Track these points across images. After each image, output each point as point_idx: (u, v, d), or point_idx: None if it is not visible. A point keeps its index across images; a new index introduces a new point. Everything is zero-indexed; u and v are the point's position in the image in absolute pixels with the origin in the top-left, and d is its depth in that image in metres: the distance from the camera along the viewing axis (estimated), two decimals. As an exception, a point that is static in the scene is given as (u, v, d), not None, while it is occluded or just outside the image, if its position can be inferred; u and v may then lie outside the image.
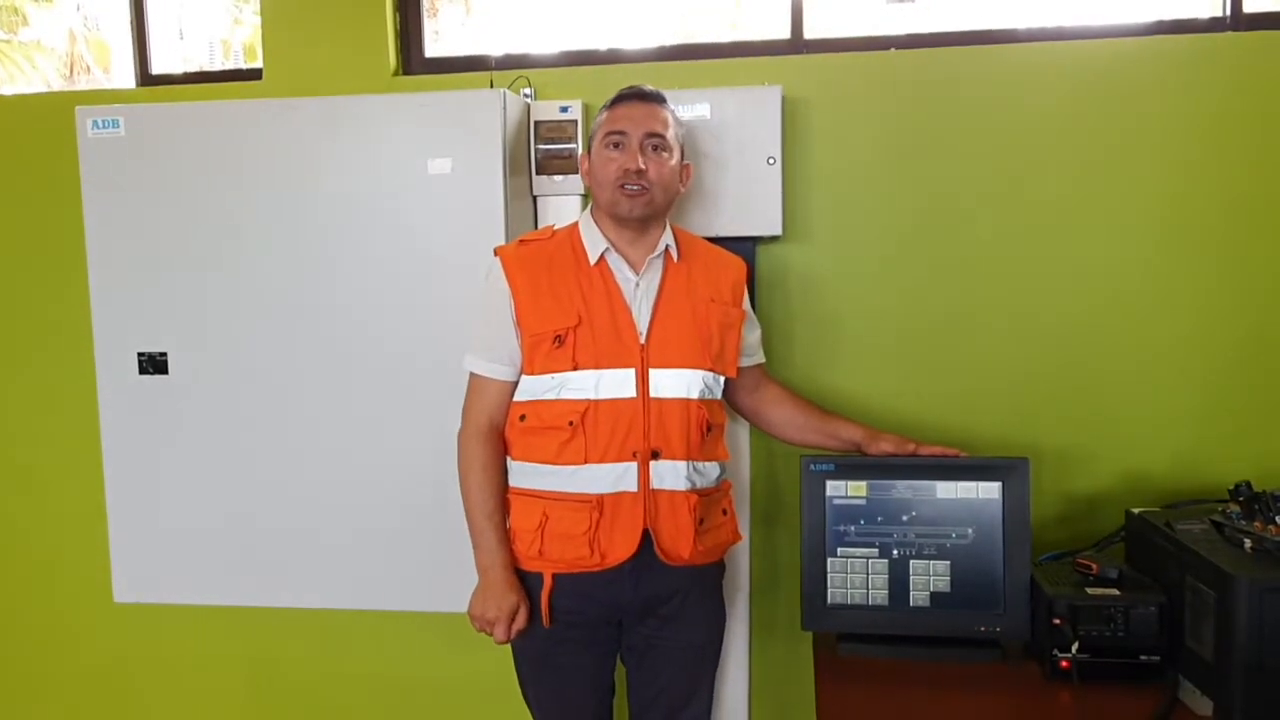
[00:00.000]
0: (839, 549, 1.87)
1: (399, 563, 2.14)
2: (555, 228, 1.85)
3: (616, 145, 1.74)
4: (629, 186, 1.73)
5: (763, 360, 2.00)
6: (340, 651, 2.59)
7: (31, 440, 2.65)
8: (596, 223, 1.80)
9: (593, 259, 1.76)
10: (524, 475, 1.78)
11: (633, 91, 1.79)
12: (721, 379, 1.83)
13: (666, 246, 1.81)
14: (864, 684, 1.77)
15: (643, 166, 1.72)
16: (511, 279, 1.76)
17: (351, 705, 2.62)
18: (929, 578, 1.85)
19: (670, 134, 1.77)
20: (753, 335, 1.95)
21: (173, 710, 2.71)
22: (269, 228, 2.09)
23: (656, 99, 1.79)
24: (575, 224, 1.83)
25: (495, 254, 1.81)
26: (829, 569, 1.87)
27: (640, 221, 1.77)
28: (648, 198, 1.74)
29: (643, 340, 1.74)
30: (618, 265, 1.78)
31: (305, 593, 2.20)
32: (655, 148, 1.75)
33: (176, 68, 2.71)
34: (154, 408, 2.17)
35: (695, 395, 1.76)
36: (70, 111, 2.13)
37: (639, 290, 1.77)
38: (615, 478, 1.72)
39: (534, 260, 1.77)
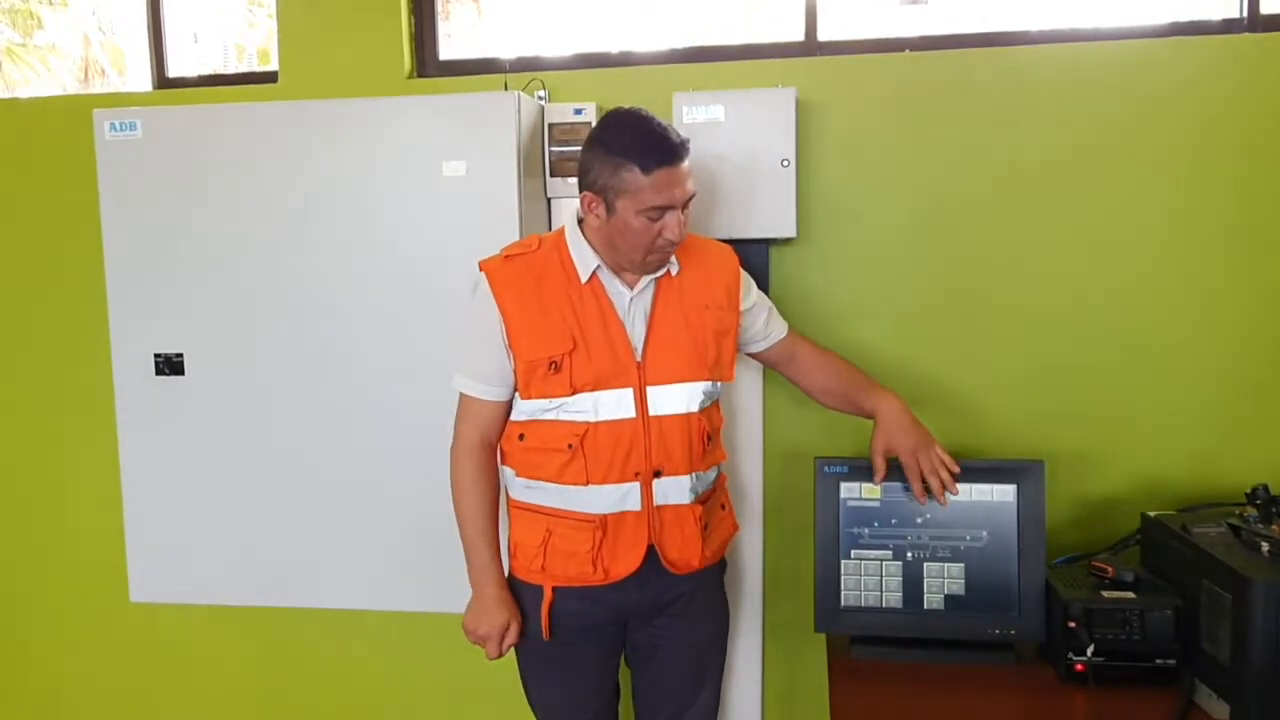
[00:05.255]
0: (853, 551, 1.87)
1: (413, 564, 2.14)
2: (541, 238, 1.76)
3: (659, 217, 1.62)
4: (661, 253, 1.67)
5: (782, 333, 1.92)
6: (355, 651, 2.60)
7: (49, 441, 2.67)
8: (588, 240, 1.71)
9: (584, 277, 1.70)
10: (527, 491, 1.76)
11: (668, 151, 1.61)
12: (719, 384, 1.80)
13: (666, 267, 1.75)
14: (878, 686, 1.77)
15: (684, 234, 1.66)
16: (501, 301, 1.69)
17: (365, 704, 2.63)
18: (943, 580, 1.84)
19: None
20: (758, 320, 1.88)
21: (188, 708, 2.73)
22: (284, 230, 2.11)
23: (686, 151, 1.64)
24: (561, 234, 1.74)
25: (480, 269, 1.73)
26: (843, 571, 1.87)
27: None
28: (672, 253, 1.71)
29: (638, 358, 1.70)
30: (609, 280, 1.71)
31: (320, 593, 2.22)
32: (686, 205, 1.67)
33: (191, 71, 2.72)
34: (170, 409, 2.19)
35: (696, 408, 1.73)
36: (87, 114, 2.15)
37: (632, 306, 1.72)
38: (618, 498, 1.70)
39: (522, 278, 1.70)
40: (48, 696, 2.81)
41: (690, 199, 1.66)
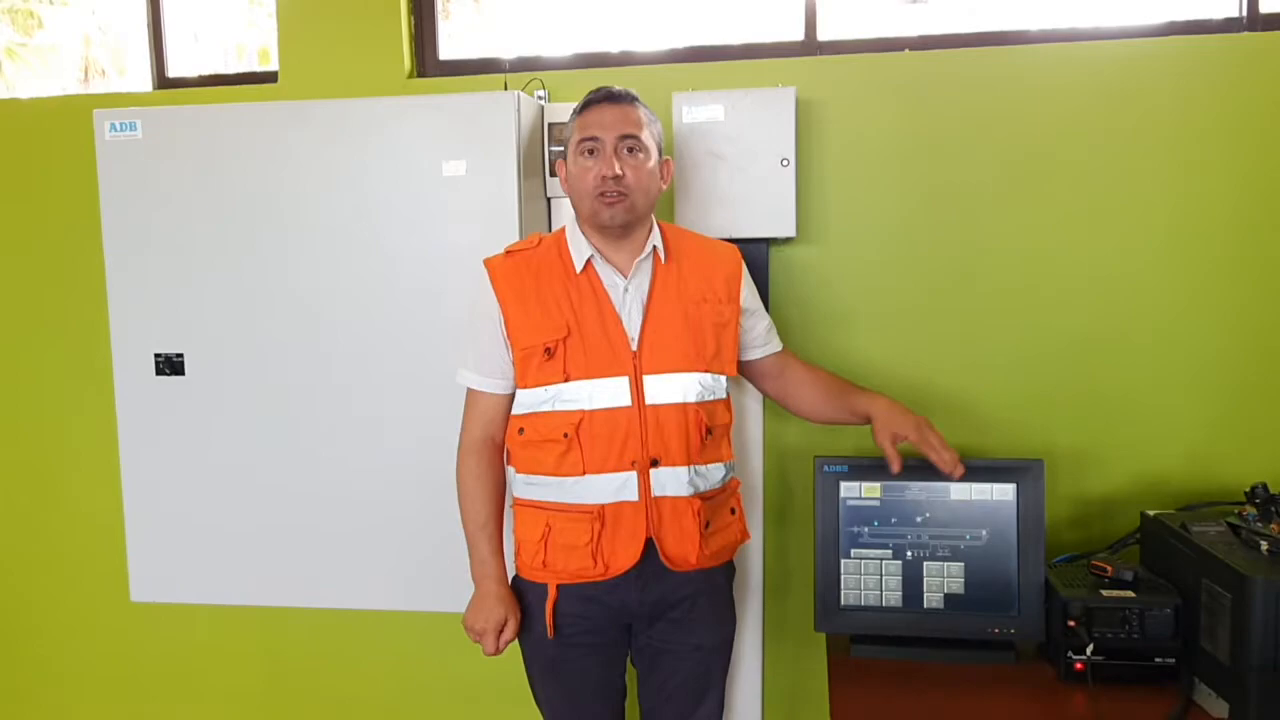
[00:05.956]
0: (853, 550, 1.87)
1: (415, 563, 2.14)
2: (542, 235, 1.83)
3: (591, 152, 1.71)
4: (608, 195, 1.70)
5: (778, 348, 1.94)
6: (355, 651, 2.60)
7: (49, 441, 2.67)
8: (581, 230, 1.77)
9: (579, 266, 1.74)
10: (527, 487, 1.78)
11: (602, 94, 1.75)
12: (722, 379, 1.81)
13: (654, 247, 1.78)
14: (878, 685, 1.77)
15: (619, 172, 1.69)
16: (499, 292, 1.75)
17: (366, 705, 2.63)
18: (943, 579, 1.85)
19: (645, 134, 1.73)
20: (760, 325, 1.90)
21: (188, 708, 2.73)
22: (284, 230, 2.11)
23: (627, 99, 1.75)
24: (562, 230, 1.81)
25: (483, 265, 1.79)
26: (843, 570, 1.87)
27: (623, 227, 1.74)
28: (628, 204, 1.71)
29: (634, 347, 1.72)
30: (605, 271, 1.75)
31: (320, 593, 2.21)
32: (630, 150, 1.71)
33: (191, 71, 2.72)
34: (170, 409, 2.18)
35: (693, 399, 1.74)
36: (88, 114, 2.15)
37: (628, 295, 1.75)
38: (615, 488, 1.72)
39: (521, 271, 1.76)
40: (48, 696, 2.81)
41: (631, 141, 1.71)
